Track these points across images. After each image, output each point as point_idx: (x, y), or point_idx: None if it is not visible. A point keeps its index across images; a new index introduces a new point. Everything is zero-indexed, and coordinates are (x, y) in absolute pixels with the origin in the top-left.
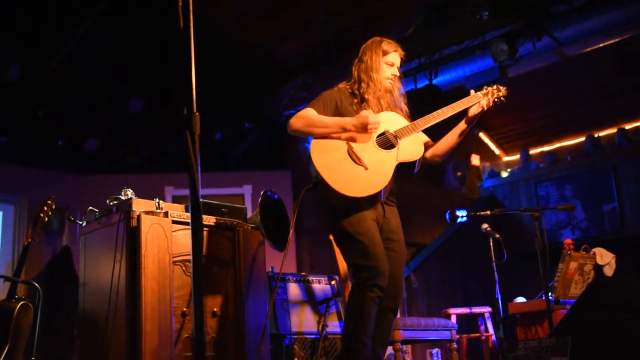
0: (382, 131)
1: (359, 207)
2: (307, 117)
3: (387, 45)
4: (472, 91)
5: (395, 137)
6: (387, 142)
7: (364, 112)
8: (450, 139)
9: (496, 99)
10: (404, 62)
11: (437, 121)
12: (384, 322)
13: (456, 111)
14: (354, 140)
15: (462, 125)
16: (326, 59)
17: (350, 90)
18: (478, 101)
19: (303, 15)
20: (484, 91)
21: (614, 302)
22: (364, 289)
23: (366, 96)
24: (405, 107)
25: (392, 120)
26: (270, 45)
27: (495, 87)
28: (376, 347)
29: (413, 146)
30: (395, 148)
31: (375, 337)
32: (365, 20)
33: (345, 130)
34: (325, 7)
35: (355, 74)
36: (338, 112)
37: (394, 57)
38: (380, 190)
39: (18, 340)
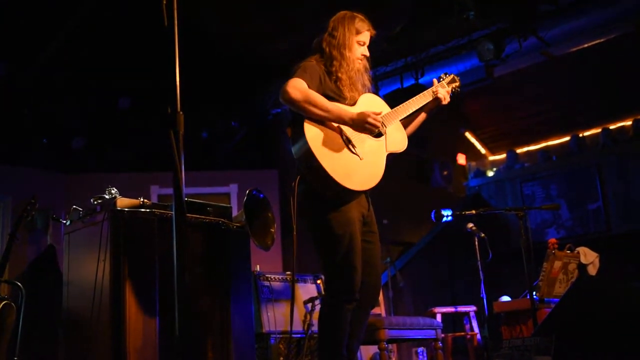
0: None
1: (348, 200)
2: (306, 91)
3: (360, 23)
4: (435, 81)
5: (382, 124)
6: None
7: (365, 111)
8: (410, 128)
9: (454, 89)
10: (390, 59)
11: (416, 108)
12: (363, 318)
13: (429, 99)
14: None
15: (422, 115)
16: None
17: (324, 66)
18: (437, 93)
19: (291, 13)
20: (446, 79)
21: (597, 301)
22: (340, 302)
23: (339, 74)
24: (369, 85)
25: (374, 105)
26: (257, 43)
27: (451, 77)
28: (352, 341)
29: (399, 136)
30: (383, 137)
31: (352, 333)
32: None
33: (343, 122)
34: (313, 5)
35: (327, 49)
36: (321, 89)
37: (366, 36)
38: None
39: (1, 339)
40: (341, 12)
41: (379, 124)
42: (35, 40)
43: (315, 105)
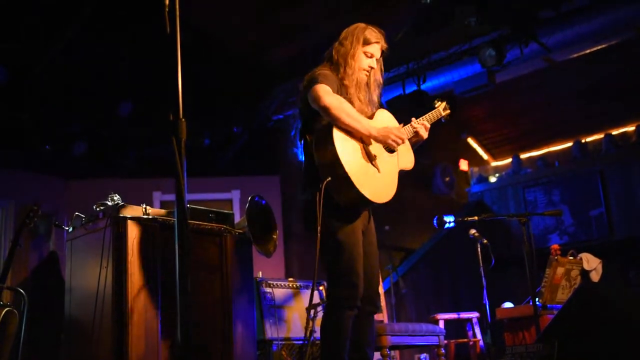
0: None
1: (359, 210)
2: (340, 99)
3: (370, 34)
4: (413, 119)
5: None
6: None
7: (390, 126)
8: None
9: (444, 118)
10: (392, 66)
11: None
12: (369, 324)
13: (435, 119)
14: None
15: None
16: (316, 64)
17: (336, 75)
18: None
19: (293, 19)
20: (441, 106)
21: (600, 307)
22: (343, 308)
23: (345, 82)
24: (377, 100)
25: (389, 122)
26: (259, 49)
27: (444, 104)
28: (364, 348)
29: (409, 153)
30: (395, 153)
31: (362, 341)
32: None
33: (370, 135)
34: (315, 12)
35: (335, 57)
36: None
37: (375, 48)
38: None
39: (3, 346)
40: (354, 24)
41: (401, 140)
42: (36, 45)
43: (348, 115)
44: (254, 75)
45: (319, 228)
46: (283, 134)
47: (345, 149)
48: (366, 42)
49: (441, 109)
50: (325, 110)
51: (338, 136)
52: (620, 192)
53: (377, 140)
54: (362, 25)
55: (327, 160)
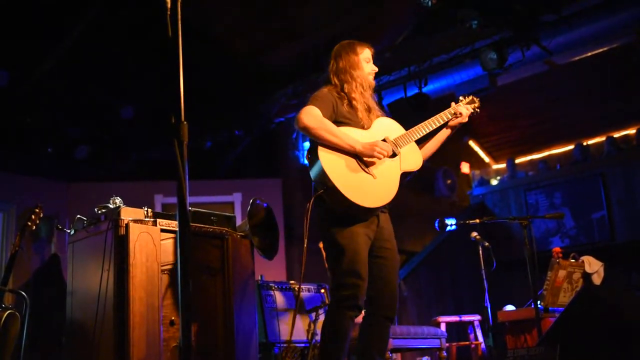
0: (382, 138)
1: (359, 217)
2: (320, 118)
3: (359, 45)
4: (453, 104)
5: (395, 145)
6: None
7: (374, 141)
8: (432, 146)
9: (473, 111)
10: (393, 69)
11: (430, 130)
12: (382, 331)
13: (445, 122)
14: None
15: (445, 132)
16: (317, 67)
17: (337, 93)
18: (459, 112)
19: (294, 22)
20: (465, 100)
21: (602, 310)
22: (343, 308)
23: (352, 94)
24: (377, 106)
25: (389, 127)
26: (261, 53)
27: (470, 98)
28: (374, 353)
29: (413, 155)
30: (397, 157)
31: (374, 346)
32: (356, 29)
33: (354, 150)
34: (316, 15)
35: (335, 78)
36: (334, 115)
37: (368, 53)
38: None
39: (5, 349)
40: (337, 45)
41: (385, 153)
42: (38, 49)
43: (328, 132)
44: (255, 78)
45: (305, 240)
46: (284, 137)
47: (333, 163)
48: (360, 52)
49: (465, 103)
50: (305, 131)
51: (324, 152)
52: (622, 195)
53: (363, 154)
54: (345, 42)
55: (317, 176)
